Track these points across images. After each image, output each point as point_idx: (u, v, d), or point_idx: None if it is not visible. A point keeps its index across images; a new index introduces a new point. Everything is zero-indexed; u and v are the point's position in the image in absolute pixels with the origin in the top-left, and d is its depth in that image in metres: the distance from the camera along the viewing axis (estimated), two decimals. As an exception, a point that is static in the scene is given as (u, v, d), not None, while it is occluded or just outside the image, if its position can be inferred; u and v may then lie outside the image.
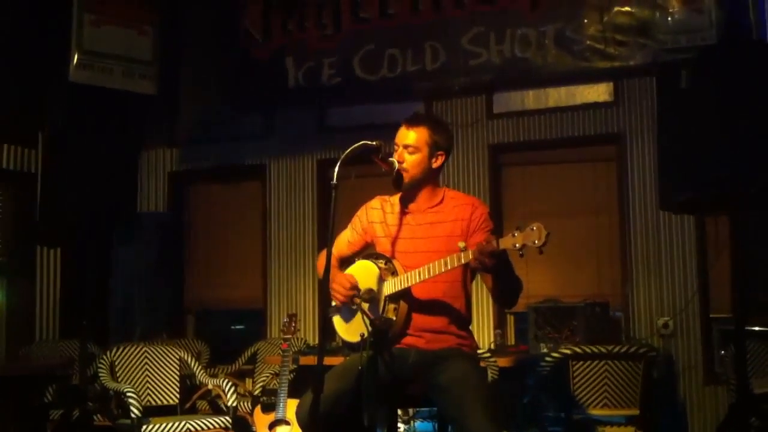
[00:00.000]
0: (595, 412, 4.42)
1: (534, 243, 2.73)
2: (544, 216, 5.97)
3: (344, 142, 3.11)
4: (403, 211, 3.31)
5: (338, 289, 3.17)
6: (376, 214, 3.38)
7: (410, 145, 3.20)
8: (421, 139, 3.20)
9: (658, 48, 5.61)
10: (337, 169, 2.93)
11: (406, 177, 3.20)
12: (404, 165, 3.19)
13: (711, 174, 3.57)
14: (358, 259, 3.33)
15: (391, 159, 3.17)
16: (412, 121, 3.25)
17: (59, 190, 5.28)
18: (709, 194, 3.67)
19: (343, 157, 2.96)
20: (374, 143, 3.06)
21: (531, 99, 6.24)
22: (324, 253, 3.40)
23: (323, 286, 3.05)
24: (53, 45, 6.10)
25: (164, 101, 6.64)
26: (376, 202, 3.42)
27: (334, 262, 3.28)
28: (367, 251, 3.39)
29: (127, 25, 6.13)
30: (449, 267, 2.97)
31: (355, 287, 3.14)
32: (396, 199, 3.37)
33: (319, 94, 6.69)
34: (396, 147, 3.23)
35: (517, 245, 2.76)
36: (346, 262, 3.46)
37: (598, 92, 6.04)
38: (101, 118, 5.93)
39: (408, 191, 3.26)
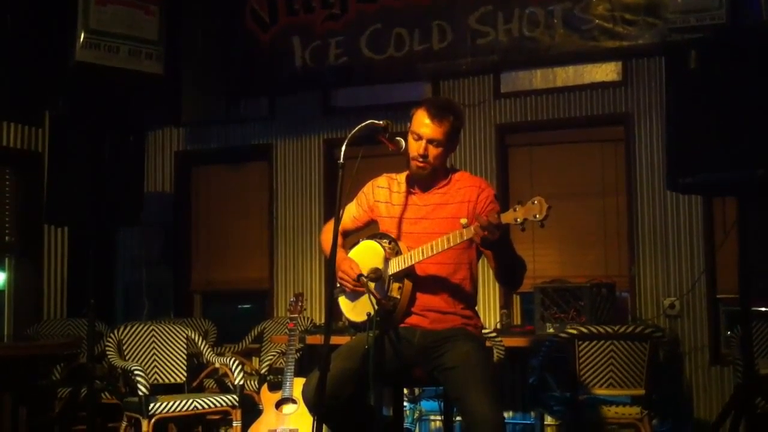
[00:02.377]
0: (601, 392, 4.42)
1: (535, 217, 2.74)
2: (551, 197, 5.88)
3: (350, 122, 3.10)
4: (410, 191, 3.28)
5: (346, 279, 3.17)
6: (382, 194, 3.36)
7: (436, 139, 3.12)
8: (446, 132, 3.13)
9: (667, 27, 5.56)
10: (343, 148, 2.92)
11: (428, 168, 3.16)
12: (429, 159, 3.13)
13: (718, 156, 3.55)
14: (363, 240, 3.32)
15: (398, 138, 3.14)
16: (439, 115, 3.12)
17: (66, 170, 5.28)
18: (717, 177, 3.65)
19: (349, 136, 2.95)
20: (381, 122, 3.03)
21: (539, 78, 6.20)
22: (327, 227, 3.40)
23: (330, 266, 3.04)
24: (59, 24, 6.07)
25: (170, 81, 6.60)
26: (383, 180, 3.39)
27: (339, 239, 3.23)
28: (371, 231, 3.37)
29: (133, 5, 6.08)
30: (452, 243, 2.96)
31: (361, 275, 3.12)
32: (403, 177, 3.34)
33: (323, 77, 6.65)
34: (414, 135, 3.15)
35: (519, 219, 2.76)
36: (348, 236, 3.46)
37: (607, 72, 6.00)
38: (107, 99, 5.94)
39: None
